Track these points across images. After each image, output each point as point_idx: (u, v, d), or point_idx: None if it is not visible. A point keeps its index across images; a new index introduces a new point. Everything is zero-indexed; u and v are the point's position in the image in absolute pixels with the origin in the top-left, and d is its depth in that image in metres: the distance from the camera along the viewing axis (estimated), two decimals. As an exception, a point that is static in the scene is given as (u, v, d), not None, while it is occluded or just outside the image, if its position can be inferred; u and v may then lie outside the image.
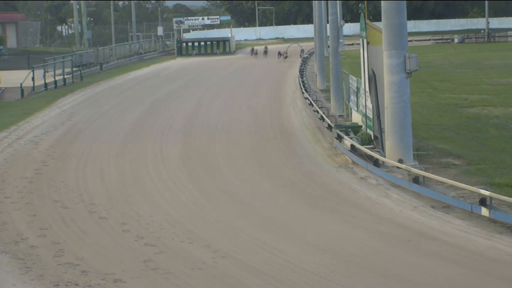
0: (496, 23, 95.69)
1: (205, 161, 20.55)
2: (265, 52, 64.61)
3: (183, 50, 72.00)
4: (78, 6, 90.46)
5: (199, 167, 19.78)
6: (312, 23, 64.60)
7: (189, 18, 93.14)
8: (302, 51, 60.87)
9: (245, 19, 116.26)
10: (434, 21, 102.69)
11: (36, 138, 25.24)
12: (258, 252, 12.69)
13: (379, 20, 18.68)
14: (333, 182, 17.53)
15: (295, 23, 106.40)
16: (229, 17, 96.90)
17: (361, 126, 22.63)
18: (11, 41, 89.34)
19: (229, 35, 76.40)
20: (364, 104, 21.83)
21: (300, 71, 43.79)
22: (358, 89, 23.16)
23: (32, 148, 23.48)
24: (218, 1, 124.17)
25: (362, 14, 20.99)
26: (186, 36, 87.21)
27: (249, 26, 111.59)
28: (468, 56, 58.90)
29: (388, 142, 18.51)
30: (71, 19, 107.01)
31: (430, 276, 11.22)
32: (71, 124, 28.48)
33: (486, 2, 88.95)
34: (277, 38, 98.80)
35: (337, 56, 31.54)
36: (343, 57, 47.19)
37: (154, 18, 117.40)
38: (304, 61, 52.47)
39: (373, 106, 20.45)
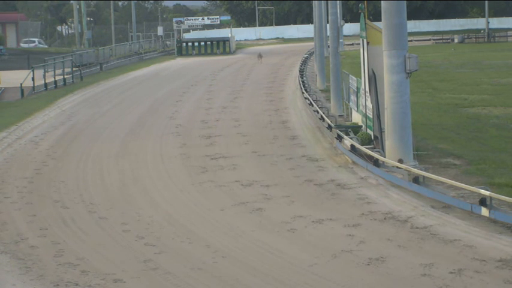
0: (496, 23, 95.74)
1: (206, 161, 20.55)
2: None
3: (183, 50, 72.00)
4: (78, 6, 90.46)
5: (199, 167, 19.78)
6: (312, 23, 64.62)
7: (189, 18, 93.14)
8: None
9: (245, 19, 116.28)
10: (434, 21, 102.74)
11: (36, 138, 25.25)
12: (258, 252, 12.69)
13: (379, 20, 18.67)
14: (333, 182, 17.52)
15: (295, 23, 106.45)
16: (229, 17, 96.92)
17: (361, 126, 22.62)
18: (11, 41, 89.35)
19: (229, 35, 76.39)
20: (364, 104, 21.82)
21: (300, 71, 43.78)
22: (358, 89, 23.16)
23: (32, 148, 23.49)
24: (218, 1, 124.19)
25: (362, 14, 20.98)
26: (186, 36, 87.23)
27: (249, 26, 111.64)
28: (468, 56, 58.88)
29: (388, 142, 18.51)
30: (71, 19, 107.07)
31: (430, 276, 11.22)
32: (71, 124, 28.49)
33: (486, 2, 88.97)
34: (277, 38, 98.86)
35: (337, 56, 31.53)
36: (343, 57, 47.17)
37: (154, 18, 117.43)
38: (304, 61, 52.46)
39: (373, 106, 20.44)
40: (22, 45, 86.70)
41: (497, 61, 51.68)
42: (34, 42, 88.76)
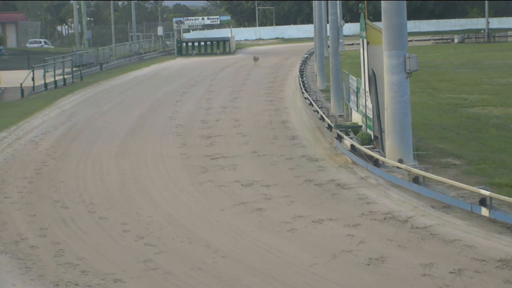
0: (496, 23, 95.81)
1: (206, 161, 20.55)
2: None
3: (183, 50, 72.00)
4: (78, 6, 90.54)
5: (199, 167, 19.78)
6: (312, 23, 64.63)
7: (189, 18, 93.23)
8: None
9: (245, 19, 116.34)
10: (434, 21, 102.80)
11: (36, 138, 25.25)
12: (258, 252, 12.69)
13: (379, 20, 18.67)
14: (333, 182, 17.52)
15: (295, 23, 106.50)
16: (229, 17, 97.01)
17: (361, 126, 22.62)
18: (11, 41, 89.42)
19: (229, 35, 76.39)
20: (364, 104, 21.82)
21: (300, 71, 43.79)
22: (358, 89, 23.16)
23: (32, 148, 23.49)
24: (218, 1, 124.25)
25: (362, 14, 20.98)
26: (186, 36, 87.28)
27: (249, 26, 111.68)
28: (468, 56, 58.89)
29: (388, 142, 18.51)
30: (71, 19, 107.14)
31: (430, 276, 11.22)
32: (71, 124, 28.49)
33: (486, 2, 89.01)
34: (277, 38, 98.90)
35: (337, 56, 31.53)
36: (343, 57, 47.18)
37: (154, 18, 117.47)
38: (304, 61, 52.46)
39: (373, 106, 20.44)
40: (28, 45, 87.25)
41: (497, 61, 51.69)
42: (40, 42, 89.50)
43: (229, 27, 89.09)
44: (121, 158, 21.40)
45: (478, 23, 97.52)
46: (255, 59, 57.29)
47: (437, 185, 15.58)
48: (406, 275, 11.35)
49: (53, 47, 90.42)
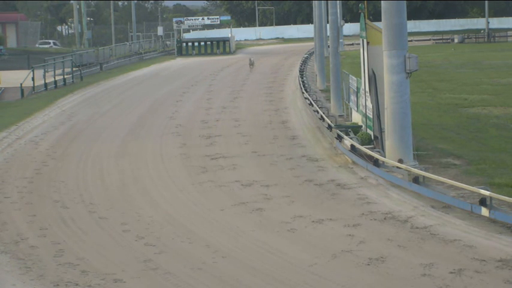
0: (496, 23, 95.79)
1: (206, 161, 20.55)
2: None
3: (183, 50, 71.98)
4: (78, 6, 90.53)
5: (199, 167, 19.78)
6: (312, 23, 64.64)
7: (189, 18, 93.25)
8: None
9: (245, 19, 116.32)
10: (434, 21, 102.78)
11: (36, 138, 25.25)
12: (258, 252, 12.69)
13: (379, 20, 18.67)
14: (333, 182, 17.52)
15: (295, 23, 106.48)
16: (229, 17, 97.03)
17: (361, 126, 22.62)
18: (11, 41, 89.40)
19: (229, 35, 76.36)
20: (364, 104, 21.82)
21: (300, 71, 43.78)
22: (358, 89, 23.16)
23: (32, 148, 23.49)
24: (218, 1, 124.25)
25: (362, 14, 20.98)
26: (186, 36, 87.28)
27: (249, 26, 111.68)
28: (468, 56, 58.89)
29: (388, 142, 18.50)
30: (71, 19, 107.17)
31: (430, 276, 11.22)
32: (71, 124, 28.49)
33: (486, 2, 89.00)
34: (277, 38, 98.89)
35: (337, 56, 31.53)
36: (343, 57, 47.17)
37: (154, 18, 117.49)
38: (304, 61, 52.46)
39: (373, 106, 20.44)
40: (38, 45, 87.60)
41: (497, 61, 51.68)
42: (49, 43, 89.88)
43: (229, 27, 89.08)
44: (121, 158, 21.40)
45: (478, 23, 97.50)
46: (251, 63, 51.59)
47: (437, 185, 15.58)
48: (406, 275, 11.35)
49: (62, 46, 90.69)
